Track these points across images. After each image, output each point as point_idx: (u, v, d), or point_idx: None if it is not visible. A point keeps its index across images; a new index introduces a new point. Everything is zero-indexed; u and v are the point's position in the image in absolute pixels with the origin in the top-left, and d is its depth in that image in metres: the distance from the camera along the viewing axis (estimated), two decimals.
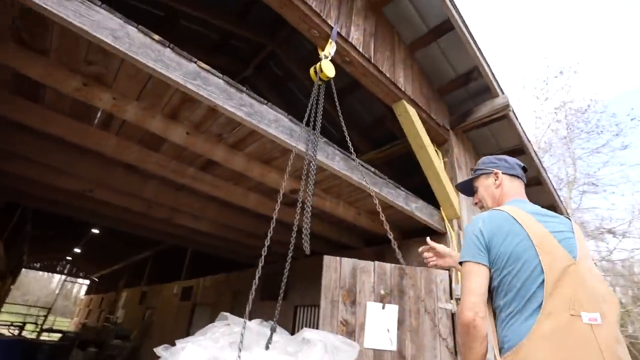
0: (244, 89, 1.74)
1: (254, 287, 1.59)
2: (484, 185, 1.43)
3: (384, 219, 2.02)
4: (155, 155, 2.42)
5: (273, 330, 1.57)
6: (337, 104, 2.09)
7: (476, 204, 1.49)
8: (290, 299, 4.28)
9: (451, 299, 2.67)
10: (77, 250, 12.68)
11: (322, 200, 2.79)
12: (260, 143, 2.18)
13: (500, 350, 1.01)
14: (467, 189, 1.54)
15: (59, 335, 10.74)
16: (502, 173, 1.39)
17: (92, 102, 1.74)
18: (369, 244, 3.88)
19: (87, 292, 20.94)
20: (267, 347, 1.55)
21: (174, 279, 7.83)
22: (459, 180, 3.16)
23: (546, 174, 3.75)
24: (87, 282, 20.50)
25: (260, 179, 2.40)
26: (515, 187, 1.37)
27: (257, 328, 1.71)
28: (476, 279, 1.07)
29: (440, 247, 1.54)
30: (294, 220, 3.33)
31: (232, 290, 5.73)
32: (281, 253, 4.59)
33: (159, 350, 1.37)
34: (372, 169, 2.44)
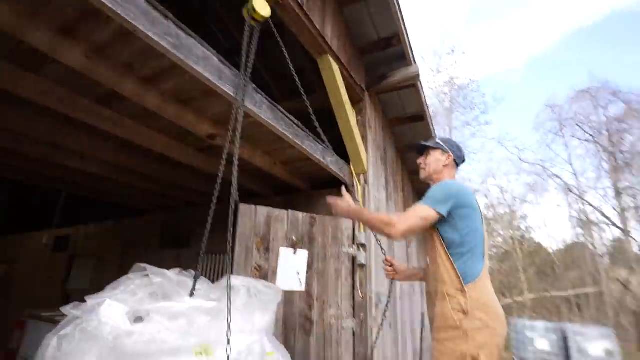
0: (170, 15, 1.50)
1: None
2: (436, 158, 1.74)
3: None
4: (32, 77, 1.93)
5: (197, 277, 1.55)
6: (283, 49, 1.97)
7: (420, 163, 1.81)
8: (194, 247, 4.17)
9: (353, 244, 3.03)
10: None
11: (240, 148, 2.71)
12: (179, 80, 1.95)
13: (463, 279, 1.42)
14: (420, 148, 1.83)
15: None
16: (453, 159, 1.73)
17: None
18: (279, 193, 3.98)
19: None
20: (191, 295, 1.53)
21: (42, 227, 6.66)
22: (369, 138, 3.44)
23: None
24: None
25: (175, 120, 2.17)
26: (453, 173, 1.76)
27: (177, 277, 1.66)
28: (424, 222, 1.45)
29: (396, 263, 1.96)
30: (205, 167, 3.16)
31: (123, 239, 5.24)
32: (185, 200, 4.35)
33: (67, 310, 1.24)
34: (296, 121, 2.46)
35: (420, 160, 1.79)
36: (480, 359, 1.27)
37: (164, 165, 3.25)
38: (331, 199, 1.75)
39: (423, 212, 1.44)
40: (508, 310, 13.80)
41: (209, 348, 1.11)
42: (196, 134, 2.39)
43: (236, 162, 1.64)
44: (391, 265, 1.94)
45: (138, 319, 1.28)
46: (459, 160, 1.75)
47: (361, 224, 3.13)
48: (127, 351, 1.03)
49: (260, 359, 1.24)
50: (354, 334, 2.80)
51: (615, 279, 15.04)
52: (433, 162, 1.72)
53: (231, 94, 1.82)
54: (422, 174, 1.78)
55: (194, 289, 1.55)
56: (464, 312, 1.34)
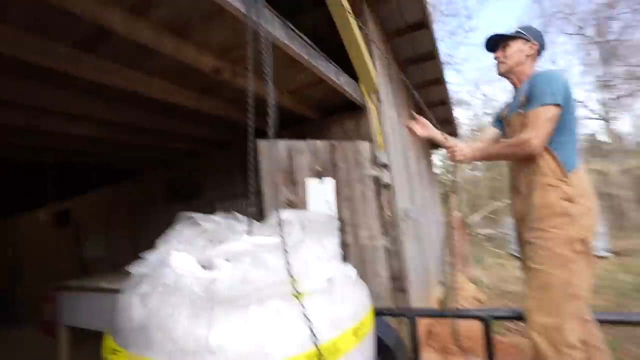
0: None
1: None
2: (518, 48, 1.56)
3: None
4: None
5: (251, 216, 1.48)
6: None
7: (497, 57, 1.63)
8: (207, 195, 4.09)
9: (375, 165, 2.97)
10: None
11: (247, 80, 2.46)
12: (174, 5, 1.65)
13: (566, 168, 1.38)
14: (495, 42, 1.64)
15: None
16: (537, 48, 1.56)
17: None
18: (284, 126, 3.79)
19: None
20: (249, 233, 1.47)
21: (37, 205, 6.42)
22: (375, 53, 3.18)
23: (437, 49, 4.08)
24: None
25: (174, 53, 1.90)
26: (535, 65, 1.58)
27: (224, 221, 1.59)
28: (554, 122, 1.36)
29: (422, 118, 1.81)
30: (208, 110, 2.91)
31: (127, 202, 5.10)
32: (187, 150, 4.14)
33: (133, 269, 1.18)
34: (308, 40, 2.20)
35: (498, 54, 1.63)
36: (588, 240, 1.34)
37: (162, 113, 2.99)
38: (450, 144, 1.60)
39: (548, 112, 1.35)
40: (501, 212, 14.70)
41: (299, 279, 1.07)
42: (199, 70, 2.12)
43: (271, 85, 1.45)
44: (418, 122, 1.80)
45: (205, 266, 1.23)
46: (542, 49, 1.60)
47: (379, 143, 3.04)
48: (223, 297, 0.97)
49: (358, 280, 1.23)
50: (388, 251, 2.90)
51: (594, 169, 16.02)
52: (515, 54, 1.56)
53: (242, 10, 1.56)
54: (501, 68, 1.62)
55: (250, 227, 1.49)
56: (570, 200, 1.36)
